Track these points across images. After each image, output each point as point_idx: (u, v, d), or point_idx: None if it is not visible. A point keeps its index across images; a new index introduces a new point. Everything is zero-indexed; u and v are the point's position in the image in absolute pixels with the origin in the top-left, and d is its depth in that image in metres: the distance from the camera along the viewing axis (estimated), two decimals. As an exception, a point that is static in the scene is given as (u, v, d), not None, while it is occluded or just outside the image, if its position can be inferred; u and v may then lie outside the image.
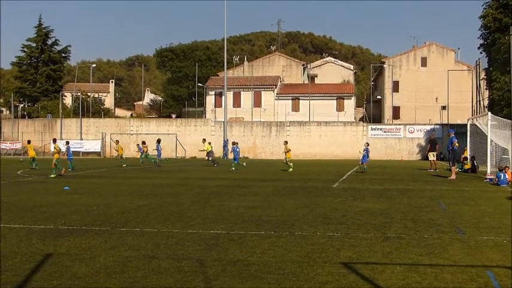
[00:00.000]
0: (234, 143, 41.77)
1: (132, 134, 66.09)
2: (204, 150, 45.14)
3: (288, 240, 10.90)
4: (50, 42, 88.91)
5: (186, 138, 64.59)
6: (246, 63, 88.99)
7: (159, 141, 44.82)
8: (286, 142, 38.93)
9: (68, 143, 38.77)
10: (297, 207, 16.13)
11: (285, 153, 37.04)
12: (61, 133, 67.89)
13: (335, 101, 73.21)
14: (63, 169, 31.32)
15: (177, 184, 24.86)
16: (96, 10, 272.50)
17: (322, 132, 62.77)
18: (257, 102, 73.59)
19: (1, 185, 23.83)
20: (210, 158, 44.07)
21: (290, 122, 65.52)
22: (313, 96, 71.00)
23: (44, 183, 25.72)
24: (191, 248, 10.09)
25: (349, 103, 74.03)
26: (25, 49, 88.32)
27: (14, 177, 28.97)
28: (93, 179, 28.43)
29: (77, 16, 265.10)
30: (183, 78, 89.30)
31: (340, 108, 72.65)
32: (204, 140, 46.70)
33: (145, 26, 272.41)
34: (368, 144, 36.25)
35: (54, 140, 33.83)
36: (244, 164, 41.47)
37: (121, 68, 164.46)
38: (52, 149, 40.09)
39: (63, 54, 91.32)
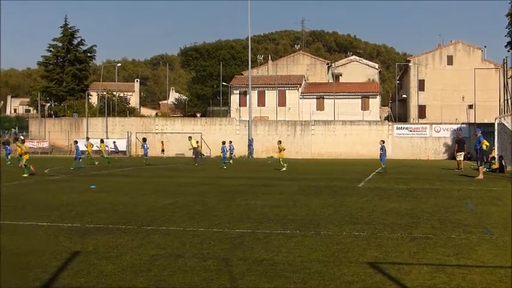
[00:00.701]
0: (223, 143, 42.41)
1: (157, 133, 66.37)
2: (191, 149, 45.90)
3: (313, 239, 10.87)
4: (75, 42, 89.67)
5: (210, 137, 64.61)
6: (270, 62, 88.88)
7: (144, 140, 45.95)
8: (280, 141, 38.85)
9: (76, 142, 39.76)
10: (323, 207, 16.08)
11: (278, 152, 37.49)
12: (87, 132, 68.34)
13: (360, 100, 72.82)
14: (32, 166, 30.84)
15: (202, 183, 24.92)
16: (120, 10, 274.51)
17: (347, 131, 62.45)
18: (282, 101, 73.44)
19: (2, 185, 24.08)
20: (196, 156, 44.88)
21: (315, 121, 65.27)
22: (337, 95, 70.68)
23: (71, 181, 25.95)
24: (217, 246, 10.11)
25: (374, 102, 73.62)
26: (51, 49, 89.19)
27: (41, 176, 29.27)
28: (119, 178, 28.63)
29: (102, 16, 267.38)
30: (207, 77, 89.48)
31: (365, 107, 72.28)
32: (190, 137, 47.66)
33: (169, 25, 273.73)
34: (384, 142, 35.29)
35: (23, 141, 34.17)
36: (231, 162, 42.37)
37: (146, 67, 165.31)
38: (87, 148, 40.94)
39: (88, 54, 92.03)
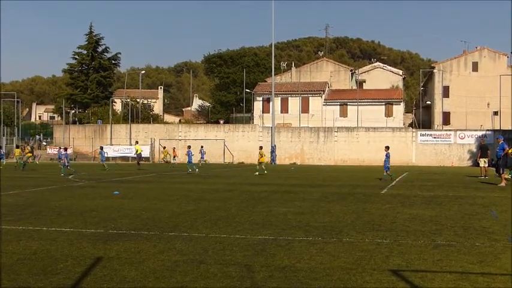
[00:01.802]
0: (189, 147, 44.30)
1: (180, 140, 66.65)
2: (137, 152, 49.12)
3: (335, 246, 10.82)
4: (100, 49, 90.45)
5: (234, 144, 64.81)
6: (293, 69, 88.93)
7: (102, 148, 48.33)
8: (261, 147, 42.32)
9: (66, 149, 41.15)
10: (345, 213, 16.02)
11: (259, 158, 40.00)
12: (111, 139, 68.93)
13: (384, 107, 72.54)
14: None
15: (224, 189, 24.95)
16: (144, 17, 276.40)
17: (371, 138, 62.18)
18: (305, 108, 73.44)
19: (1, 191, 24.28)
20: (139, 160, 48.61)
21: (338, 127, 65.14)
22: (361, 102, 70.54)
23: (94, 187, 26.13)
24: (239, 253, 10.11)
25: (398, 109, 73.24)
26: (76, 56, 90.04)
27: (64, 182, 29.53)
28: (142, 184, 28.77)
29: (126, 23, 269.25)
30: (231, 84, 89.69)
31: (388, 113, 71.96)
32: (136, 142, 53.11)
33: (193, 33, 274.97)
34: (388, 148, 34.04)
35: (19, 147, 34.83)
36: (196, 168, 42.63)
37: (169, 75, 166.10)
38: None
39: (113, 61, 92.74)
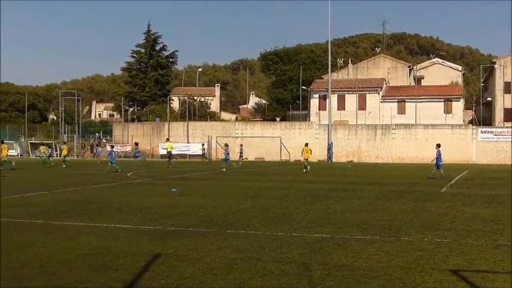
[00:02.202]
0: (226, 145, 46.24)
1: (237, 137, 66.88)
2: (165, 149, 49.93)
3: (394, 245, 10.71)
4: (158, 47, 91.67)
5: (290, 142, 64.69)
6: (350, 65, 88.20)
7: (112, 147, 47.84)
8: (306, 144, 41.79)
9: (112, 147, 41.47)
10: (404, 212, 15.83)
11: (304, 155, 39.90)
12: (169, 136, 69.69)
13: (442, 103, 71.20)
14: None
15: (281, 187, 24.98)
16: (201, 15, 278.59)
17: (429, 135, 61.09)
18: (362, 105, 72.75)
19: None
20: (169, 158, 48.34)
21: (396, 124, 64.33)
22: (419, 99, 69.42)
23: (153, 185, 26.50)
24: (296, 251, 10.10)
25: (458, 105, 71.78)
26: (134, 55, 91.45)
27: (124, 179, 30.03)
28: (199, 181, 29.03)
29: (184, 21, 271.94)
30: (287, 82, 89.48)
31: (448, 110, 70.61)
32: (167, 139, 53.37)
33: (249, 30, 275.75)
34: (439, 146, 33.08)
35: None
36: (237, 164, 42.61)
37: (226, 72, 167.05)
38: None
39: (170, 59, 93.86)
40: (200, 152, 60.66)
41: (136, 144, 52.28)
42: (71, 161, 51.97)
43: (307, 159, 39.12)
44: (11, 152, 68.94)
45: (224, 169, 39.80)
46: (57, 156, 65.23)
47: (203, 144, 60.77)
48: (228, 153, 43.47)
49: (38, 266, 8.78)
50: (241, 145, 55.55)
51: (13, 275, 8.19)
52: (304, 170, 37.68)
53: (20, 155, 54.85)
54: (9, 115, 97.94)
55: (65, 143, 51.85)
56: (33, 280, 7.89)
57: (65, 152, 47.40)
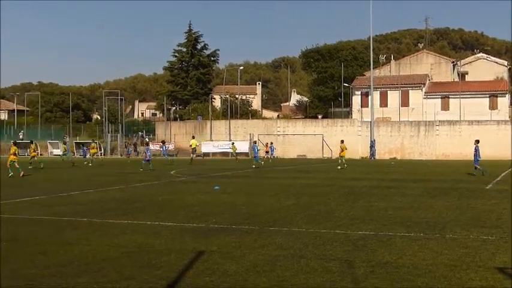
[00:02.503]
0: (255, 142, 46.87)
1: (279, 135, 66.93)
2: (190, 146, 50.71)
3: (438, 242, 10.59)
4: (199, 46, 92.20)
5: (332, 139, 64.32)
6: (392, 61, 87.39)
7: (148, 144, 48.00)
8: (342, 141, 42.14)
9: (148, 144, 41.81)
10: (448, 209, 15.65)
11: (340, 152, 40.58)
12: (211, 134, 70.09)
13: (487, 99, 69.99)
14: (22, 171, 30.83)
15: (323, 184, 24.91)
16: (241, 13, 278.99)
17: (474, 131, 60.00)
18: (404, 102, 71.97)
19: None
20: (193, 155, 49.63)
21: (439, 121, 63.55)
22: (463, 95, 68.37)
23: (196, 183, 26.69)
24: (339, 248, 10.07)
25: (503, 101, 70.42)
26: (176, 54, 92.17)
27: (167, 177, 30.30)
28: (241, 179, 29.14)
29: (224, 20, 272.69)
30: (328, 79, 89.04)
31: (493, 106, 69.36)
32: (193, 137, 54.17)
33: (290, 28, 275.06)
34: (478, 142, 32.53)
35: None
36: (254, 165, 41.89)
37: (267, 70, 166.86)
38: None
39: (211, 58, 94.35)
40: (246, 150, 61.34)
41: (163, 142, 52.72)
42: (112, 160, 52.60)
43: (341, 157, 39.80)
44: (56, 152, 70.61)
45: (254, 166, 40.27)
46: (101, 155, 66.36)
47: (233, 143, 60.95)
48: (259, 150, 43.98)
49: (83, 264, 8.92)
50: (271, 143, 56.23)
51: (59, 272, 8.34)
52: (339, 167, 38.15)
53: (65, 154, 56.14)
54: (54, 115, 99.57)
55: (94, 142, 52.81)
56: (78, 277, 8.01)
57: (93, 151, 48.23)
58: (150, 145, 49.10)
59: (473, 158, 31.99)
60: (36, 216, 14.48)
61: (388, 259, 9.15)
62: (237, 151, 58.84)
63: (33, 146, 43.65)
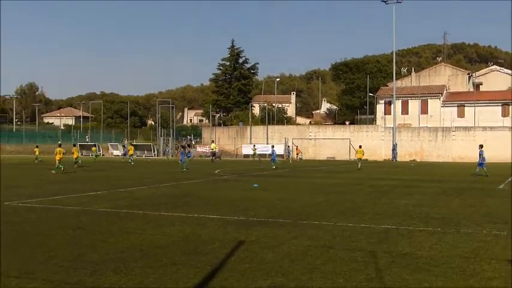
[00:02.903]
0: (272, 146, 46.38)
1: (310, 139, 66.90)
2: (211, 149, 52.07)
3: (454, 236, 10.45)
4: (241, 60, 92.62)
5: (358, 143, 63.65)
6: (413, 73, 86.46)
7: (183, 147, 47.54)
8: (360, 146, 43.18)
9: (184, 147, 42.74)
10: (463, 207, 15.42)
11: (357, 155, 41.67)
12: (250, 138, 70.24)
13: (500, 107, 68.76)
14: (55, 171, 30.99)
15: (351, 183, 24.75)
16: (278, 29, 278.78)
17: (488, 136, 58.99)
18: (424, 110, 71.28)
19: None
20: (213, 157, 50.95)
21: (456, 127, 62.68)
22: (478, 103, 67.31)
23: (237, 181, 26.75)
24: (364, 240, 10.01)
25: (515, 109, 69.05)
26: (221, 67, 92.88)
27: (211, 176, 30.45)
28: (278, 178, 29.12)
29: (264, 35, 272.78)
30: (355, 89, 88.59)
31: (505, 113, 68.05)
32: (213, 141, 56.42)
33: (322, 43, 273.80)
34: (482, 147, 32.08)
35: (60, 145, 34.13)
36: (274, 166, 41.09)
37: (301, 81, 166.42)
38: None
39: (251, 71, 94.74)
40: (281, 152, 61.21)
41: (183, 147, 50.85)
42: (162, 160, 52.93)
43: (360, 159, 40.73)
44: (116, 152, 71.74)
45: (274, 166, 39.93)
46: (155, 156, 67.02)
47: (254, 145, 61.10)
48: (275, 154, 43.37)
49: (138, 250, 9.04)
50: (297, 146, 56.61)
51: (118, 257, 8.46)
52: (359, 167, 39.10)
53: (124, 155, 57.07)
54: (114, 121, 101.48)
55: (130, 144, 53.70)
56: (135, 262, 8.14)
57: (131, 152, 48.62)
58: (186, 149, 49.43)
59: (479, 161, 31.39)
60: (98, 208, 14.69)
61: (408, 250, 9.06)
62: (257, 152, 59.64)
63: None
